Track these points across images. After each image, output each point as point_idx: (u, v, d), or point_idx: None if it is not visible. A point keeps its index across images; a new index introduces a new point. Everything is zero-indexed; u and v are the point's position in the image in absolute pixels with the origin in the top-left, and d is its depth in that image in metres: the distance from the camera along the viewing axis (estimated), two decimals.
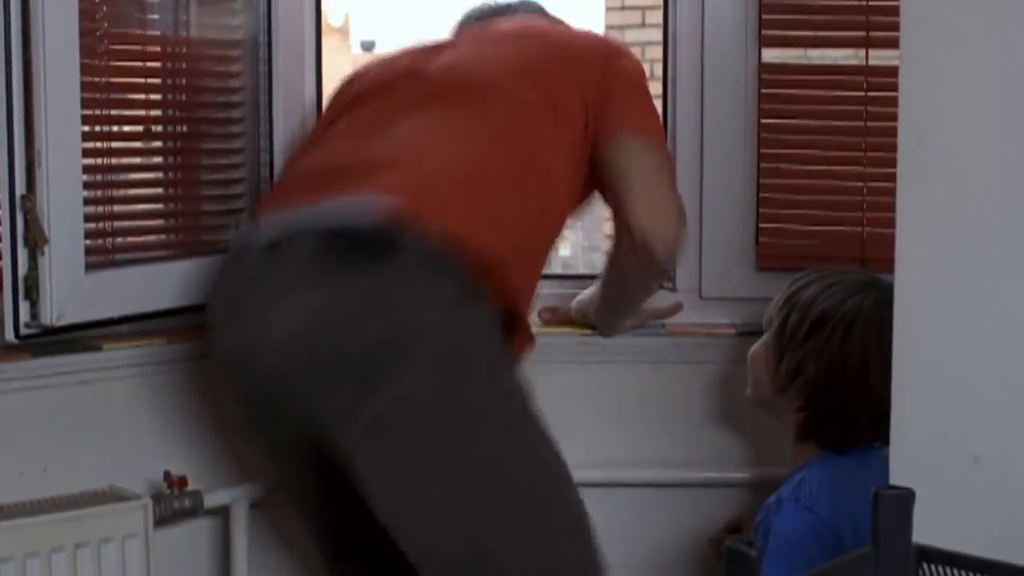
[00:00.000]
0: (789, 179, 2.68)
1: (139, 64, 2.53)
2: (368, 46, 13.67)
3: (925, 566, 1.70)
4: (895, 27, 1.82)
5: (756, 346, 2.37)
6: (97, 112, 2.37)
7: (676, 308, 2.64)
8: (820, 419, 2.26)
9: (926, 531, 1.70)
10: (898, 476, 1.80)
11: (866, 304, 2.26)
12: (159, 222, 2.64)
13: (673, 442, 2.55)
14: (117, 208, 2.47)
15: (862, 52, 2.66)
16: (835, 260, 2.62)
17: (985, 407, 1.79)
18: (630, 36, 7.00)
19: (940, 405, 1.82)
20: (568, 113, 2.25)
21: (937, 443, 1.82)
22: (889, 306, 2.09)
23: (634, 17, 7.34)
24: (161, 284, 2.51)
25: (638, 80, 2.34)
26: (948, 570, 1.68)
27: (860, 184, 2.64)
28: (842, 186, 2.66)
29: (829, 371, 2.25)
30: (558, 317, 2.64)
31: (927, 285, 1.83)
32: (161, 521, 2.40)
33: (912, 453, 1.83)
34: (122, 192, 2.52)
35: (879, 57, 2.63)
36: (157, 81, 2.57)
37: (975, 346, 1.80)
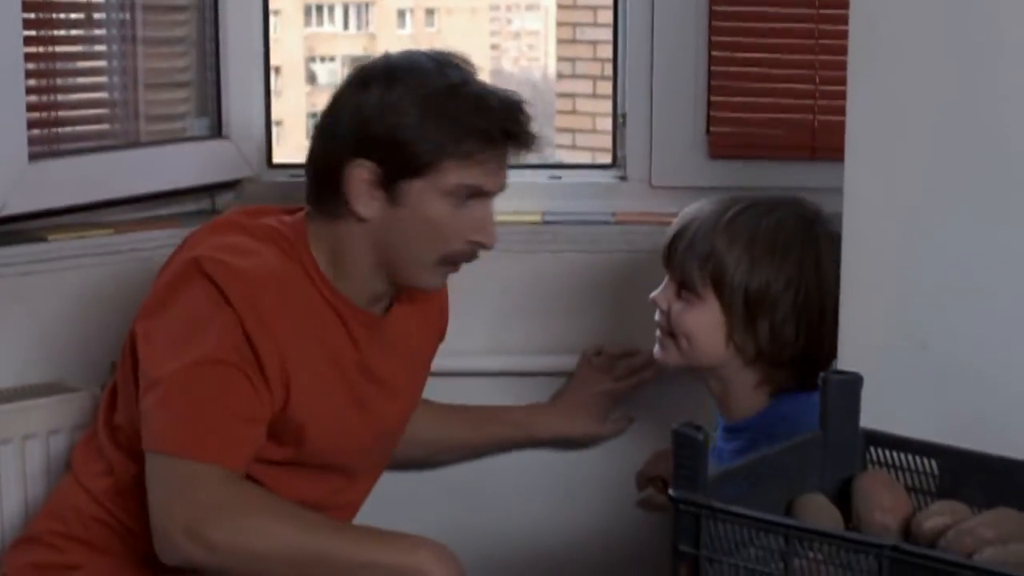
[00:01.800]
0: (741, 67, 2.66)
1: None
2: None
3: (872, 450, 1.71)
4: None
5: (684, 312, 2.17)
6: None
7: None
8: (795, 364, 2.14)
9: (875, 416, 1.72)
10: (846, 362, 1.81)
11: (811, 236, 2.15)
12: (103, 111, 2.60)
13: (623, 331, 2.55)
14: (60, 97, 2.43)
15: None
16: (786, 149, 2.63)
17: (933, 294, 1.80)
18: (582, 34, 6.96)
19: (889, 292, 1.83)
20: None
21: (886, 329, 1.83)
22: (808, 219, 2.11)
23: (586, 16, 7.24)
24: (107, 174, 2.49)
25: None
26: (895, 454, 1.69)
27: (812, 72, 2.63)
28: (794, 74, 2.64)
29: (809, 322, 2.12)
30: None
31: (877, 173, 1.83)
32: None
33: (861, 339, 1.84)
34: (65, 81, 2.48)
35: None
36: None
37: (924, 233, 1.80)
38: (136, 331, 2.05)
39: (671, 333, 2.19)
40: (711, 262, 2.13)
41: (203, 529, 1.87)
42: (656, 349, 2.25)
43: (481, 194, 2.06)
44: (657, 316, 2.22)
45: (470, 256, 2.11)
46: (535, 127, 2.09)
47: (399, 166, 2.02)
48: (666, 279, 2.21)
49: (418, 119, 2.01)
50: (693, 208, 2.20)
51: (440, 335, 2.31)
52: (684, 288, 2.17)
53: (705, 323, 2.15)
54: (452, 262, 2.09)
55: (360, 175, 2.03)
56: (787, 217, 2.15)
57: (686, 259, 2.16)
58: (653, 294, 2.21)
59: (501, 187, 2.10)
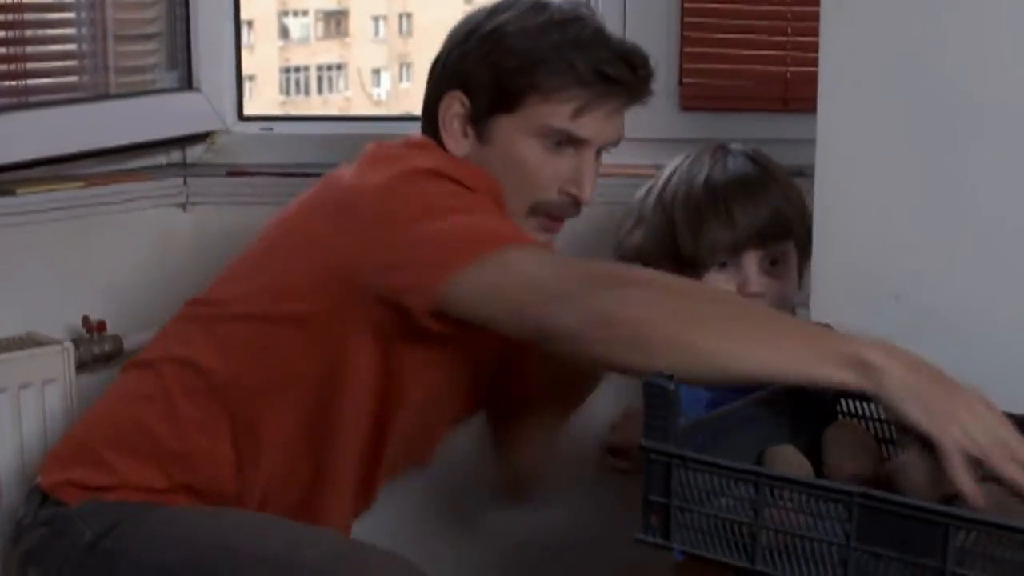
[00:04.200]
0: (713, 18, 2.66)
1: None
2: None
3: (844, 401, 1.72)
4: None
5: (778, 283, 2.04)
6: None
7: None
8: None
9: None
10: (819, 313, 1.82)
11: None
12: (73, 63, 2.58)
13: None
14: (30, 49, 2.42)
15: None
16: (759, 100, 2.63)
17: (905, 245, 1.80)
18: None
19: (861, 243, 1.84)
20: None
21: (858, 281, 1.83)
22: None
23: None
24: (76, 127, 2.48)
25: None
26: (865, 405, 1.70)
27: (784, 24, 2.62)
28: (766, 26, 2.64)
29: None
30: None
31: (849, 125, 1.83)
32: (81, 366, 2.38)
33: (833, 291, 1.85)
34: (34, 33, 2.46)
35: None
36: None
37: (896, 185, 1.81)
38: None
39: None
40: (793, 214, 2.04)
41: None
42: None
43: (575, 141, 1.93)
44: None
45: (566, 209, 1.96)
46: (645, 77, 1.96)
47: (489, 99, 1.92)
48: (746, 262, 2.02)
49: (510, 51, 1.91)
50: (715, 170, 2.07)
51: None
52: (773, 262, 2.04)
53: (794, 280, 2.07)
54: (547, 213, 1.95)
55: (451, 107, 1.94)
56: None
57: (781, 231, 2.03)
58: (752, 287, 2.01)
59: (606, 139, 1.96)
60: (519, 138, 1.92)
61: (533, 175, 1.93)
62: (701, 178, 2.05)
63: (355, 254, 1.81)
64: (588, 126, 1.93)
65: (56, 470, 1.96)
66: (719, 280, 2.01)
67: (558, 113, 1.91)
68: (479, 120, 1.94)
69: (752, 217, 2.01)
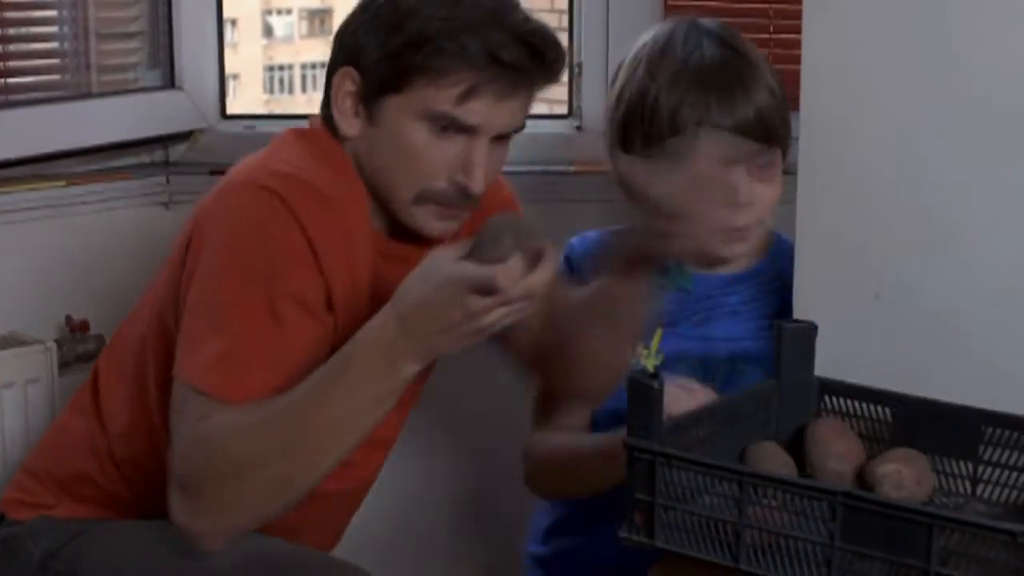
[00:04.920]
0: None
1: None
2: None
3: (827, 398, 1.72)
4: None
5: (767, 189, 1.94)
6: None
7: None
8: None
9: (829, 366, 1.73)
10: (802, 311, 1.82)
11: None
12: (55, 61, 2.58)
13: None
14: (11, 48, 2.41)
15: None
16: None
17: (886, 244, 1.80)
18: None
19: (842, 242, 1.84)
20: None
21: (839, 279, 1.83)
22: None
23: None
24: (58, 125, 2.48)
25: None
26: (849, 402, 1.70)
27: (767, 22, 2.63)
28: (749, 23, 2.63)
29: None
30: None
31: (831, 123, 1.83)
32: (64, 366, 2.38)
33: (814, 289, 1.85)
34: (16, 31, 2.46)
35: None
36: None
37: (877, 184, 1.81)
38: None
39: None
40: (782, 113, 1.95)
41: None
42: (735, 248, 1.97)
43: (463, 127, 1.77)
44: (742, 220, 1.93)
45: (455, 199, 1.80)
46: (547, 62, 1.79)
47: (378, 78, 1.77)
48: (740, 175, 1.91)
49: (400, 27, 1.76)
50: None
51: None
52: (762, 166, 1.93)
53: (779, 187, 1.96)
54: (437, 201, 1.80)
55: (343, 85, 1.80)
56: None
57: (779, 125, 1.93)
58: (741, 198, 1.90)
59: (499, 126, 1.79)
60: (406, 121, 1.78)
61: (419, 161, 1.78)
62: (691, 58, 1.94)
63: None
64: (476, 112, 1.77)
65: (10, 488, 1.94)
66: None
67: (443, 97, 1.76)
68: (369, 99, 1.80)
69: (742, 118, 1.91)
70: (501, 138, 1.82)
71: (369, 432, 1.68)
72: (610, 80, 1.99)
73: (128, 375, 1.88)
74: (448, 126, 1.77)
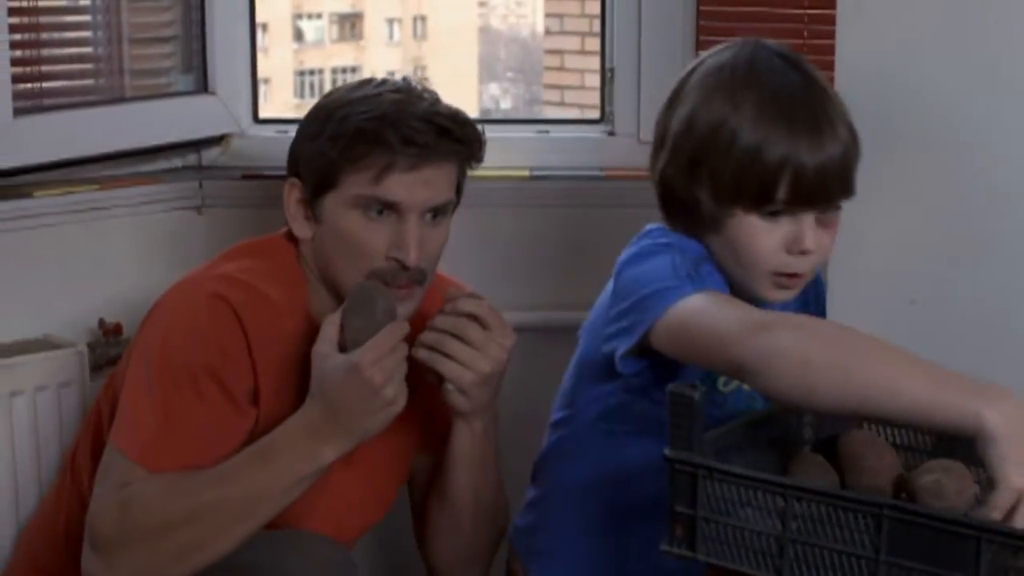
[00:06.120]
0: (728, 22, 2.65)
1: None
2: None
3: None
4: None
5: (827, 237, 1.81)
6: None
7: None
8: None
9: None
10: (837, 317, 1.81)
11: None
12: (88, 66, 2.59)
13: None
14: (45, 53, 2.42)
15: None
16: None
17: (922, 251, 1.80)
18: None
19: (878, 249, 1.83)
20: None
21: (874, 286, 1.83)
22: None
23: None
24: (92, 130, 2.49)
25: None
26: None
27: (800, 27, 2.62)
28: (782, 28, 2.63)
29: None
30: None
31: (866, 127, 1.82)
32: (96, 368, 2.38)
33: (850, 296, 1.84)
34: (50, 36, 2.47)
35: None
36: None
37: (912, 189, 1.80)
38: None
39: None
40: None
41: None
42: (781, 295, 1.84)
43: (390, 206, 1.91)
44: (799, 267, 1.81)
45: (398, 276, 1.92)
46: (455, 139, 1.93)
47: (314, 180, 1.95)
48: (808, 221, 1.79)
49: (319, 129, 1.95)
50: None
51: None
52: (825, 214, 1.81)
53: (837, 229, 1.83)
54: (386, 282, 1.91)
55: (291, 194, 1.98)
56: None
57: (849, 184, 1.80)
58: (807, 245, 1.78)
59: (423, 201, 1.93)
60: (342, 212, 1.94)
61: (358, 245, 1.93)
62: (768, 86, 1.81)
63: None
64: (394, 188, 1.91)
65: None
66: (760, 225, 1.79)
67: (364, 180, 1.91)
68: (312, 202, 1.97)
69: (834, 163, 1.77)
70: (437, 216, 1.96)
71: (286, 505, 1.84)
72: (668, 96, 1.93)
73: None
74: (378, 209, 1.92)
